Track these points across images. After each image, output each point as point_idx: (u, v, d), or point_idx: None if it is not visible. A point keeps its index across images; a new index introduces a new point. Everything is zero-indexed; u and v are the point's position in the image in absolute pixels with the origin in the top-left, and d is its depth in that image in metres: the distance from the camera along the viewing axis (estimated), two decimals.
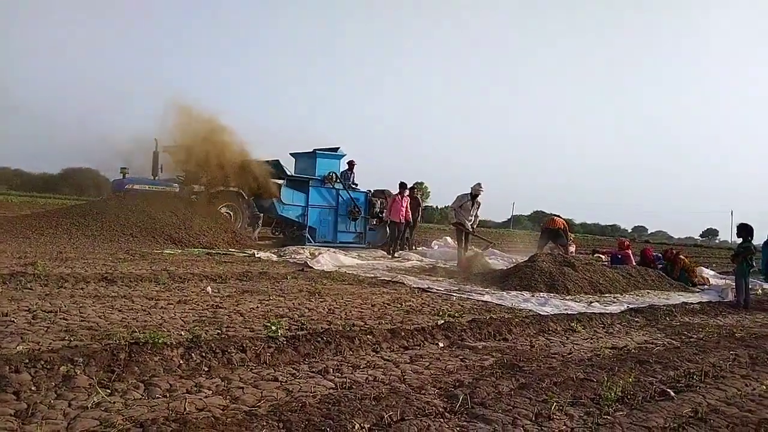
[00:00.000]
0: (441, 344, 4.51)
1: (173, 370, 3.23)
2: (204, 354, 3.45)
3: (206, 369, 3.33)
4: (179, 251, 10.78)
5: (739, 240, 9.19)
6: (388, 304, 6.33)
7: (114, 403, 2.68)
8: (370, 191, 16.23)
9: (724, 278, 12.77)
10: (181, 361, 3.34)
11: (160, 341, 3.53)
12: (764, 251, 9.31)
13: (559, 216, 14.20)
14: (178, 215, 13.00)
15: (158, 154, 15.86)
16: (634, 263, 12.34)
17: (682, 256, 12.07)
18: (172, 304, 5.30)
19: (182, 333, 4.13)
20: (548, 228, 13.43)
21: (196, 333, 4.11)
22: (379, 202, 15.93)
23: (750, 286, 9.32)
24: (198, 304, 5.36)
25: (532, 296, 8.04)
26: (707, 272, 12.45)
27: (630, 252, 13.08)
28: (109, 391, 2.82)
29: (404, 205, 14.07)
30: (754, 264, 9.13)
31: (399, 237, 14.26)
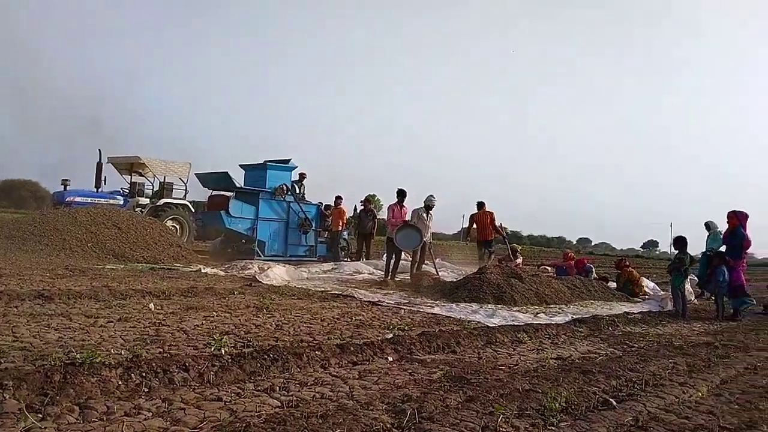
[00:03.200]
0: (390, 358, 4.50)
1: (111, 392, 3.10)
2: (144, 374, 3.33)
3: (146, 390, 3.21)
4: (122, 266, 10.45)
5: (676, 251, 9.58)
6: (337, 318, 6.28)
7: (45, 428, 2.55)
8: (321, 203, 16.16)
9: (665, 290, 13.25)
10: (120, 382, 3.21)
11: (97, 361, 3.39)
12: (701, 261, 9.69)
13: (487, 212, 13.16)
14: (122, 229, 12.62)
15: (102, 165, 15.43)
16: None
17: (631, 269, 12.46)
18: (112, 322, 5.12)
19: (122, 352, 3.98)
20: (481, 240, 13.26)
21: (136, 352, 3.97)
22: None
23: (687, 296, 9.72)
24: (140, 322, 5.19)
25: (481, 308, 8.13)
26: (648, 283, 12.88)
27: (573, 263, 13.45)
28: (41, 416, 2.69)
29: (404, 215, 11.82)
30: (688, 274, 9.50)
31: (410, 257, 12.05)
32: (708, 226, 12.04)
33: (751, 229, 9.58)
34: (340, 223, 16.03)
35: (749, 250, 10.42)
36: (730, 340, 6.73)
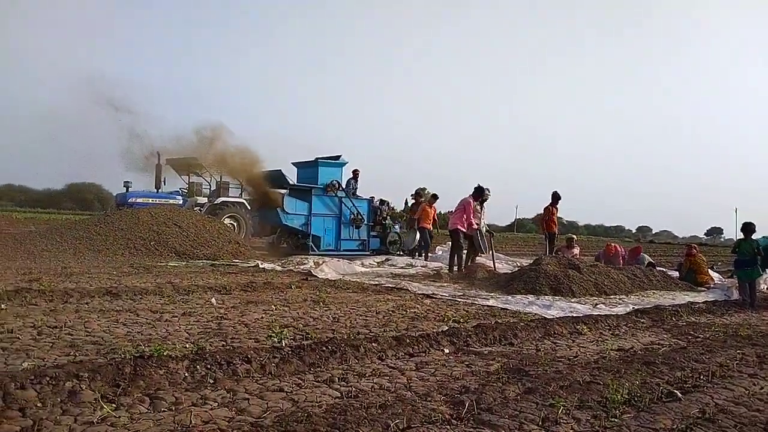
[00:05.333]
0: (446, 350, 4.50)
1: (178, 383, 3.23)
2: (209, 366, 3.45)
3: (211, 381, 3.33)
4: (183, 263, 10.80)
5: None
6: (392, 311, 6.32)
7: (119, 417, 2.68)
8: (373, 198, 16.27)
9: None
10: (187, 374, 3.33)
11: (164, 354, 3.54)
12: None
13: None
14: (182, 227, 13.04)
15: (161, 167, 15.97)
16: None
17: (697, 257, 11.99)
18: (176, 316, 5.30)
19: (187, 345, 4.13)
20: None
21: (200, 345, 4.12)
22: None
23: (757, 285, 9.27)
24: (202, 316, 5.37)
25: (537, 299, 8.02)
26: (712, 273, 12.37)
27: (614, 252, 13.44)
28: (115, 405, 2.82)
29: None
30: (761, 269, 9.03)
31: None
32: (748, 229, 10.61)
33: None
34: (428, 221, 14.99)
35: None
36: None
